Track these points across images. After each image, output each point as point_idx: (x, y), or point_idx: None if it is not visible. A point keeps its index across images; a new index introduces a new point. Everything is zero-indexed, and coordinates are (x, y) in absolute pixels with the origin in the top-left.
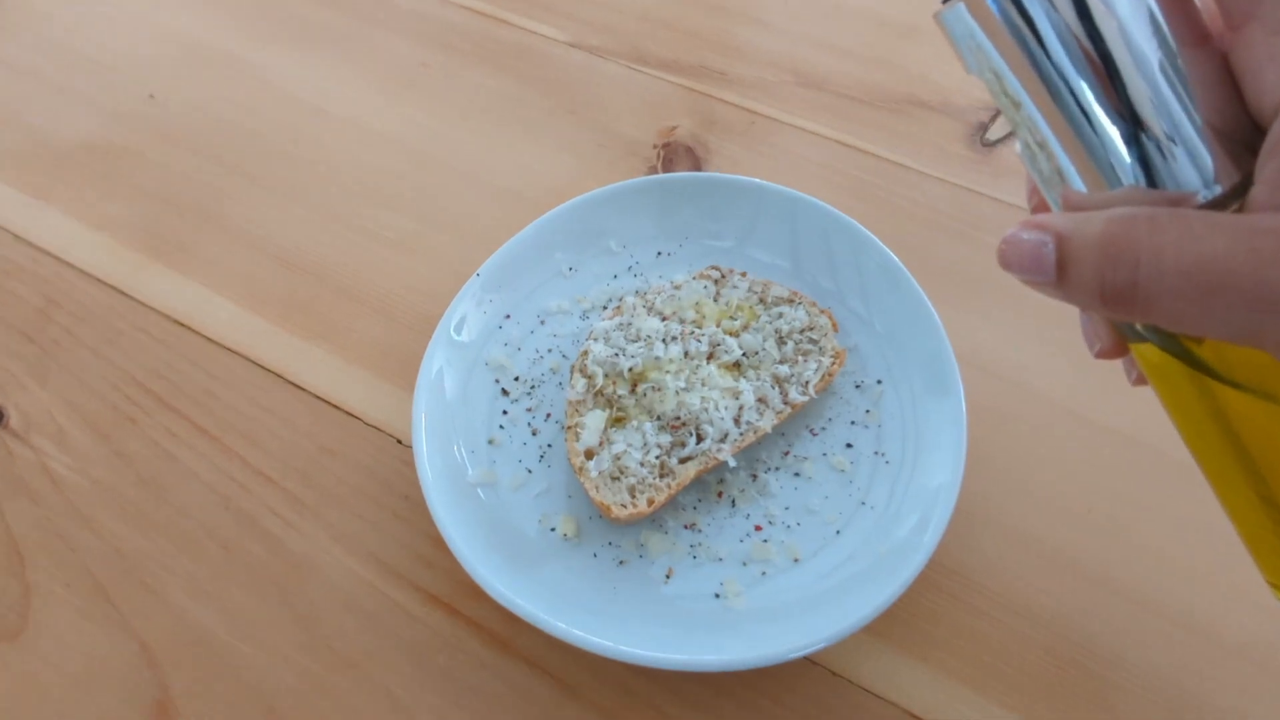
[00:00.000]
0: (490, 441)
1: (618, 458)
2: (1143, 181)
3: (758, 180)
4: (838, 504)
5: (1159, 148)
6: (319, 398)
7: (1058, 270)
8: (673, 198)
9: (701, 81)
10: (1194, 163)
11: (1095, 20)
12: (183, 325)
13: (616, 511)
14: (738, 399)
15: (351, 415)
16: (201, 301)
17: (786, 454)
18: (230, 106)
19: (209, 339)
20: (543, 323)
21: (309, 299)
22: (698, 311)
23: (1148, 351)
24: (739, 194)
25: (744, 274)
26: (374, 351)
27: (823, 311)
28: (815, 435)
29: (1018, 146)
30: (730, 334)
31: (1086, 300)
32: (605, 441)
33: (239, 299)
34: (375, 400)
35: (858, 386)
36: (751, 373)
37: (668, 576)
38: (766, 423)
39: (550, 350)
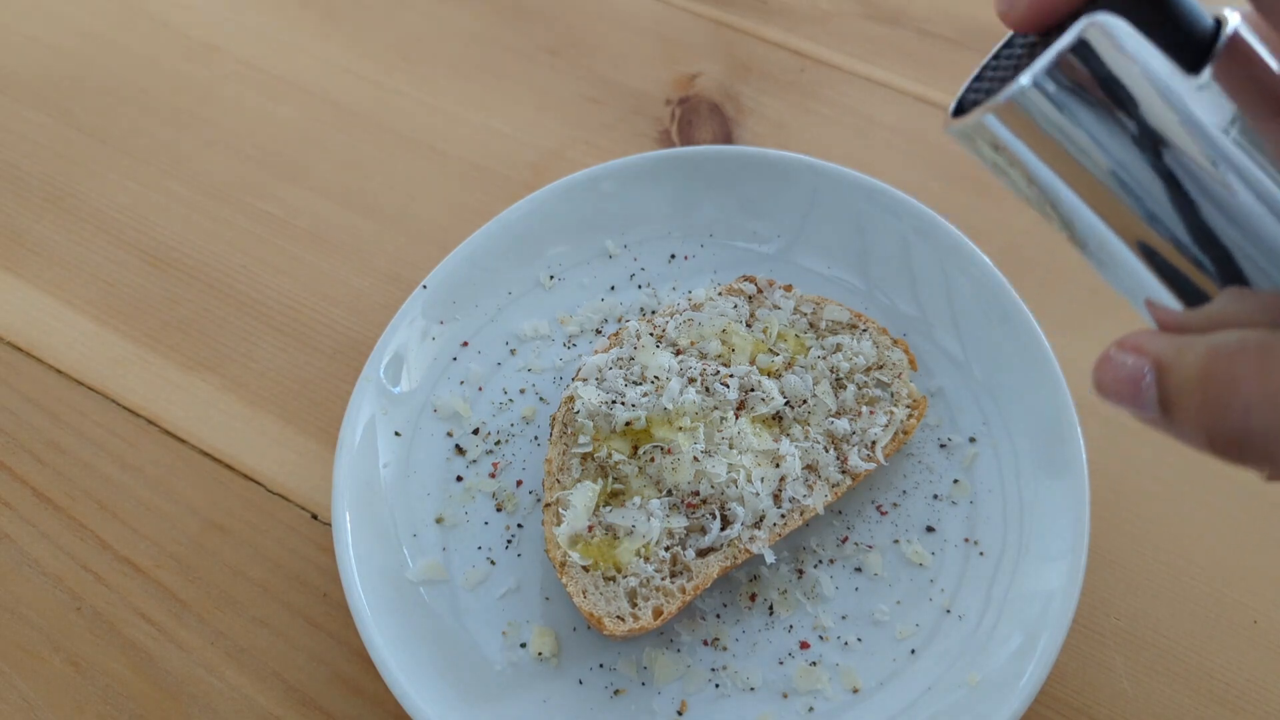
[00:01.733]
0: (439, 520)
1: (613, 548)
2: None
3: (809, 158)
4: (914, 612)
5: (1262, 246)
6: (204, 453)
7: (1161, 408)
8: (693, 181)
9: (733, 10)
10: None
11: (1152, 119)
12: (18, 349)
13: (611, 625)
14: (778, 467)
15: (249, 479)
16: (43, 315)
17: (844, 541)
18: (84, 41)
19: (52, 368)
20: (513, 353)
21: (190, 314)
22: (725, 342)
23: None
24: (784, 177)
25: (789, 288)
26: (280, 389)
27: (896, 343)
28: (884, 515)
29: (1080, 252)
30: (769, 374)
31: (1194, 443)
32: (597, 525)
33: (94, 312)
34: (282, 458)
35: (943, 447)
36: (797, 429)
37: (680, 713)
38: (817, 500)
39: (523, 391)
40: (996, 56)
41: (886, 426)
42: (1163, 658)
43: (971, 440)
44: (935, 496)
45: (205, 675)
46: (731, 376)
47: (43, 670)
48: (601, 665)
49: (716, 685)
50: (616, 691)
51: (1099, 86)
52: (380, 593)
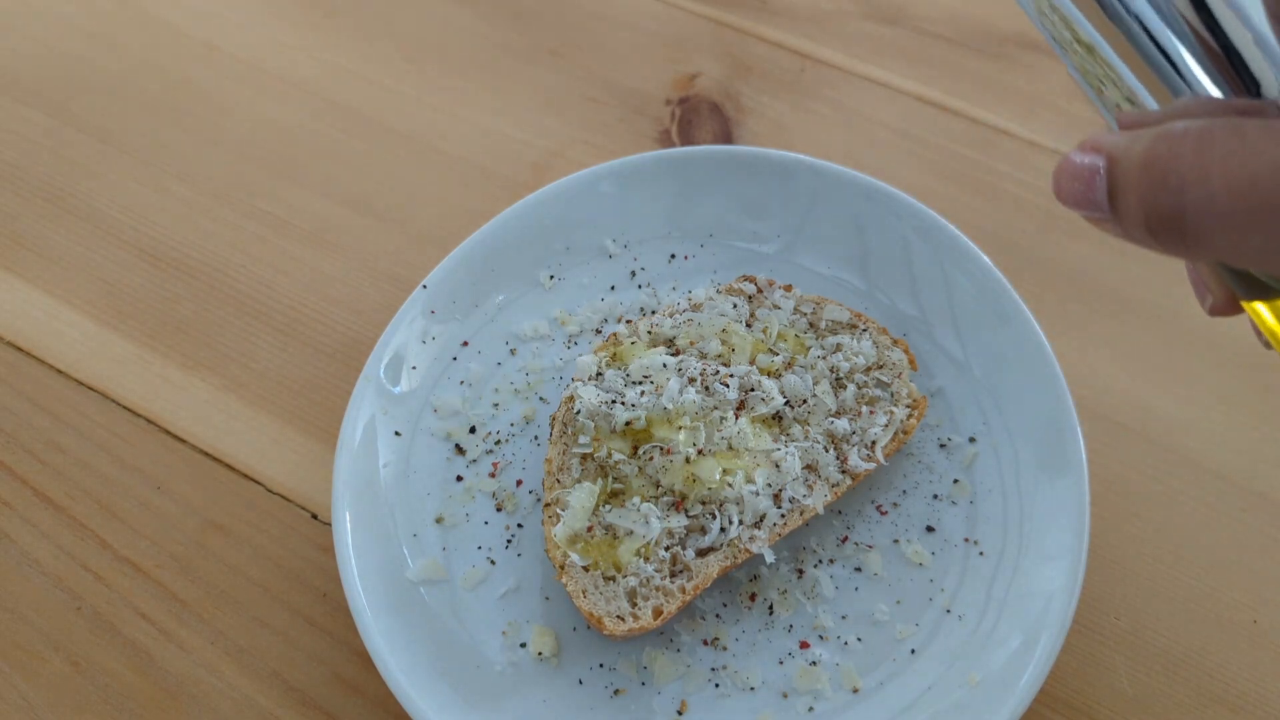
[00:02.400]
0: (439, 520)
1: (613, 548)
2: (1216, 93)
3: (809, 158)
4: (914, 612)
5: (1226, 47)
6: (204, 453)
7: (1109, 199)
8: (693, 181)
9: (734, 10)
10: (1269, 61)
11: None
12: (18, 349)
13: (611, 625)
14: (778, 467)
15: (249, 479)
16: (44, 316)
17: (844, 541)
18: (84, 41)
19: (54, 368)
20: (513, 352)
21: (190, 314)
22: (724, 342)
23: (1271, 310)
24: (784, 177)
25: (789, 288)
26: (280, 389)
27: (896, 343)
28: (884, 515)
29: (1070, 69)
30: (769, 374)
31: (1136, 234)
32: (597, 525)
33: (96, 313)
34: (282, 459)
35: (943, 446)
36: (797, 429)
37: (680, 712)
38: (817, 500)
39: (520, 391)
40: None
41: (886, 426)
42: (1163, 658)
43: (971, 440)
44: (935, 496)
45: (205, 675)
46: (732, 377)
47: (43, 670)
48: (601, 665)
49: (716, 685)
50: (616, 691)
51: None
52: (380, 593)
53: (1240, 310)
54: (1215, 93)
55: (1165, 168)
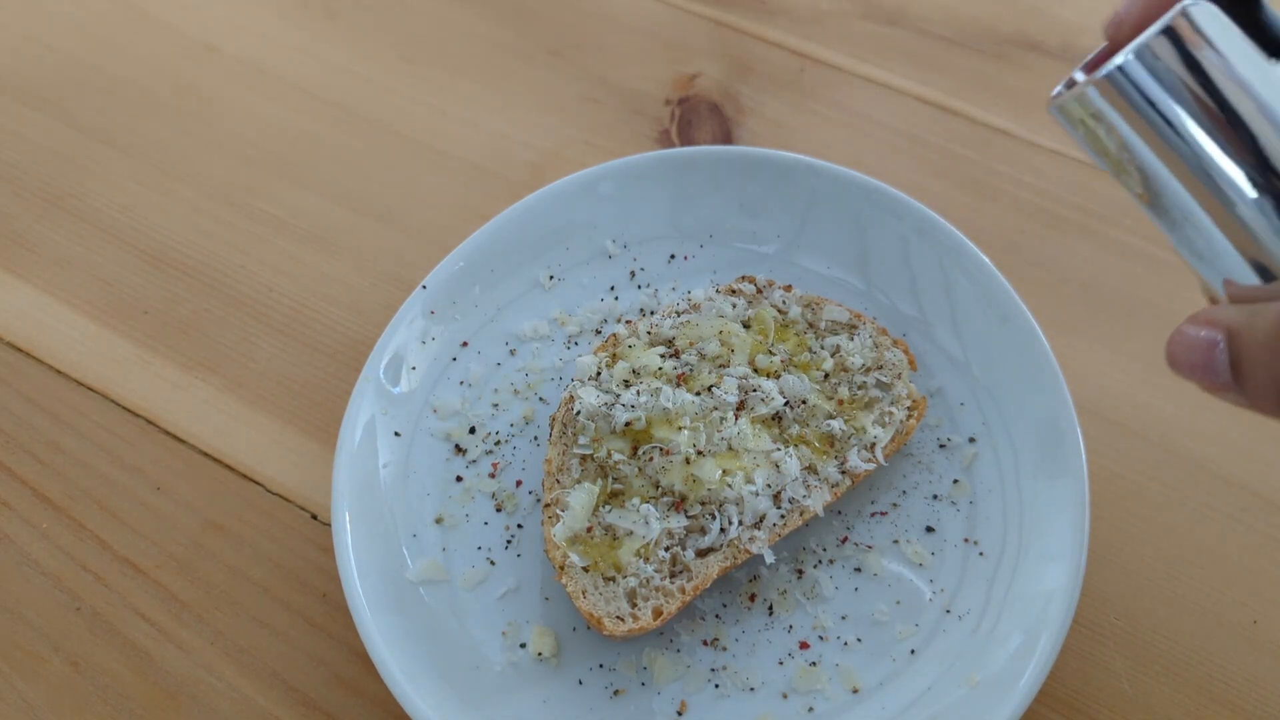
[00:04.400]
0: (439, 520)
1: (613, 548)
2: None
3: (809, 158)
4: (914, 612)
5: None
6: (204, 454)
7: (1233, 372)
8: (693, 181)
9: (733, 10)
10: None
11: (1234, 91)
12: (18, 349)
13: (611, 625)
14: (778, 468)
15: (249, 479)
16: (44, 316)
17: (844, 541)
18: (84, 41)
19: (54, 369)
20: (513, 353)
21: (191, 314)
22: (723, 342)
23: None
24: (784, 177)
25: (788, 288)
26: (280, 389)
27: (895, 343)
28: (884, 515)
29: (1160, 225)
30: (768, 374)
31: (1268, 408)
32: (597, 526)
33: (96, 313)
34: (282, 459)
35: (942, 446)
36: (797, 429)
37: (680, 713)
38: (816, 501)
39: (520, 392)
40: (1096, 60)
41: (886, 426)
42: (1163, 658)
43: (971, 440)
44: (935, 496)
45: (205, 675)
46: (731, 378)
47: (43, 670)
48: (601, 665)
49: (716, 685)
50: (616, 692)
51: (1188, 65)
52: (380, 593)
53: None
54: None
55: None
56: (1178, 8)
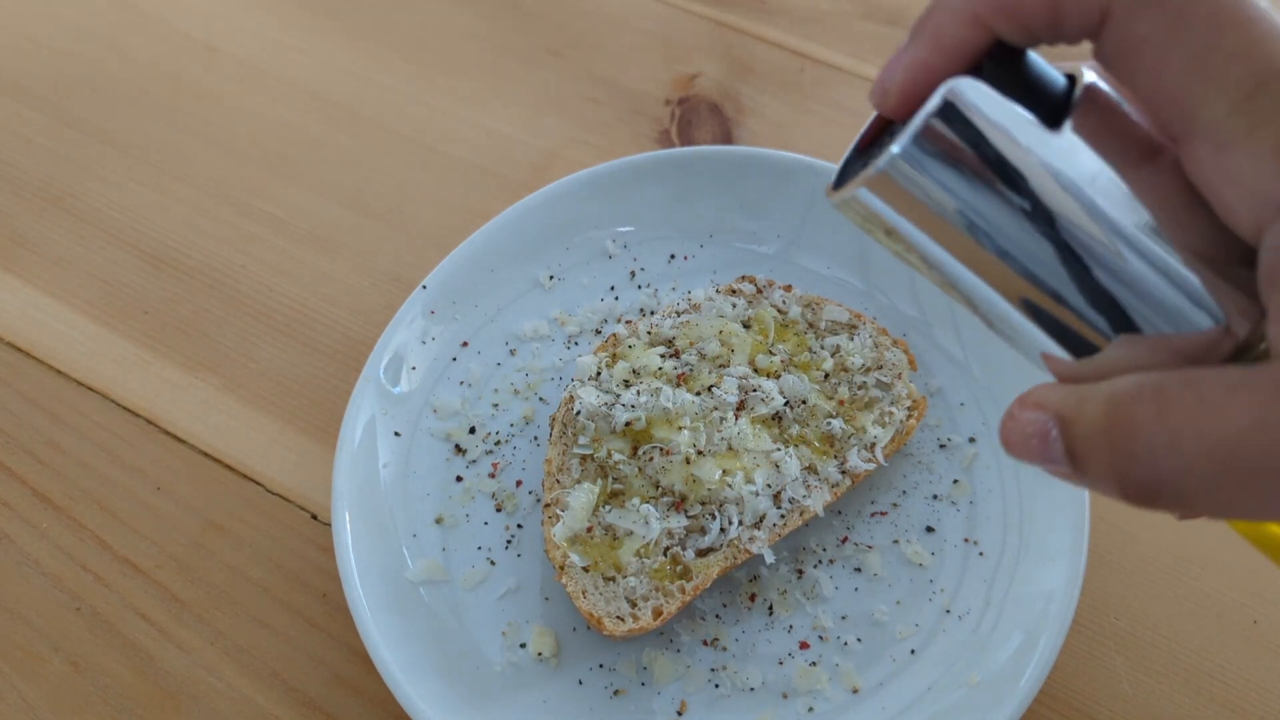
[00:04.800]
0: (439, 520)
1: (613, 548)
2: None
3: (809, 158)
4: (914, 612)
5: (1143, 293)
6: (204, 453)
7: (1069, 461)
8: (693, 181)
9: (733, 10)
10: (1190, 300)
11: (1019, 170)
12: (17, 349)
13: (611, 625)
14: (778, 468)
15: (249, 479)
16: (43, 316)
17: (844, 541)
18: (84, 41)
19: (52, 368)
20: (513, 353)
21: (190, 315)
22: (723, 342)
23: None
24: (784, 177)
25: (788, 288)
26: (280, 389)
27: (896, 343)
28: (884, 516)
29: (969, 310)
30: (768, 374)
31: (1113, 497)
32: (597, 526)
33: (95, 313)
34: (282, 458)
35: (942, 447)
36: (797, 429)
37: (680, 713)
38: (816, 501)
39: (520, 392)
40: (870, 132)
41: (886, 426)
42: (1163, 658)
43: (971, 440)
44: (935, 497)
45: (205, 675)
46: (731, 378)
47: (43, 670)
48: (601, 665)
49: (716, 685)
50: (616, 692)
51: (964, 148)
52: (380, 593)
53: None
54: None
55: (1130, 438)
56: (943, 89)
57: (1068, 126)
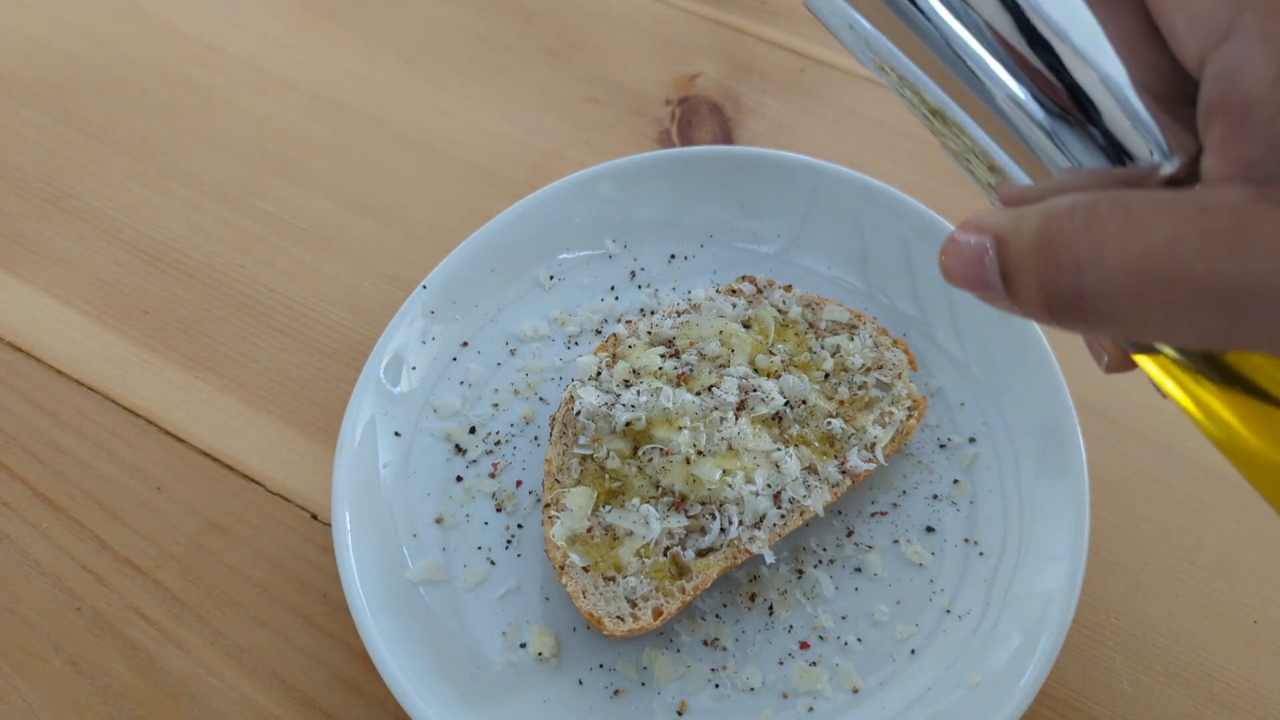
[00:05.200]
0: (439, 520)
1: (613, 548)
2: (1089, 162)
3: (809, 158)
4: (914, 612)
5: (1093, 119)
6: (204, 453)
7: (1004, 281)
8: (693, 181)
9: (733, 10)
10: (1139, 131)
11: None
12: (17, 349)
13: (611, 625)
14: (778, 468)
15: (249, 479)
16: (43, 316)
17: (844, 541)
18: (84, 41)
19: (52, 368)
20: (513, 353)
21: (191, 314)
22: (723, 342)
23: (1157, 364)
24: (784, 177)
25: (788, 288)
26: (280, 389)
27: (896, 343)
28: (884, 515)
29: (943, 151)
30: (768, 374)
31: (1035, 314)
32: (597, 526)
33: (95, 313)
34: (282, 459)
35: (943, 446)
36: (797, 429)
37: (680, 713)
38: (816, 501)
39: (520, 392)
40: None
41: (886, 426)
42: (1163, 658)
43: (971, 440)
44: (935, 497)
45: (205, 675)
46: (731, 377)
47: (43, 670)
48: (601, 665)
49: (716, 685)
50: (616, 692)
51: None
52: (380, 593)
53: (1135, 365)
54: (1091, 162)
55: (1058, 249)
56: None
57: None
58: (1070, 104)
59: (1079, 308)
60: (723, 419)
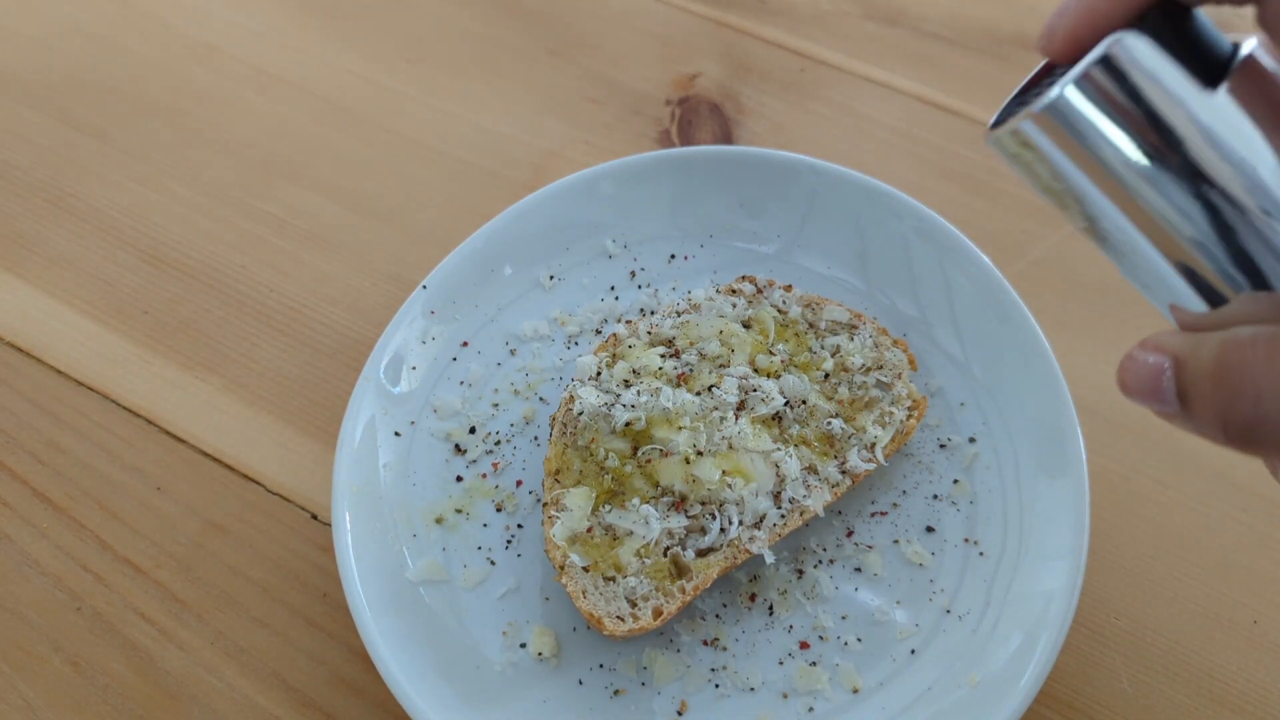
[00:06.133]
0: (439, 520)
1: (612, 548)
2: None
3: (809, 158)
4: (914, 612)
5: (1271, 245)
6: (204, 453)
7: (1179, 401)
8: (693, 181)
9: (733, 10)
10: None
11: (1171, 122)
12: (17, 349)
13: (611, 625)
14: (777, 468)
15: (249, 479)
16: (43, 316)
17: (844, 541)
18: (84, 41)
19: (52, 368)
20: (513, 353)
21: (190, 314)
22: (723, 342)
23: None
24: (784, 177)
25: (788, 288)
26: (280, 389)
27: (896, 343)
28: (884, 516)
29: (1104, 253)
30: (768, 374)
31: (1211, 436)
32: (596, 526)
33: (95, 313)
34: (282, 459)
35: (943, 446)
36: (797, 429)
37: (680, 713)
38: (816, 501)
39: (520, 392)
40: (1035, 79)
41: (886, 427)
42: (1163, 658)
43: (971, 440)
44: (935, 497)
45: (205, 675)
46: (731, 377)
47: (43, 670)
48: (601, 665)
49: (716, 685)
50: (616, 691)
51: (1124, 97)
52: (380, 593)
53: None
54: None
55: (1238, 378)
56: (1111, 39)
57: (1224, 89)
58: (1259, 246)
59: (1257, 435)
60: (723, 419)
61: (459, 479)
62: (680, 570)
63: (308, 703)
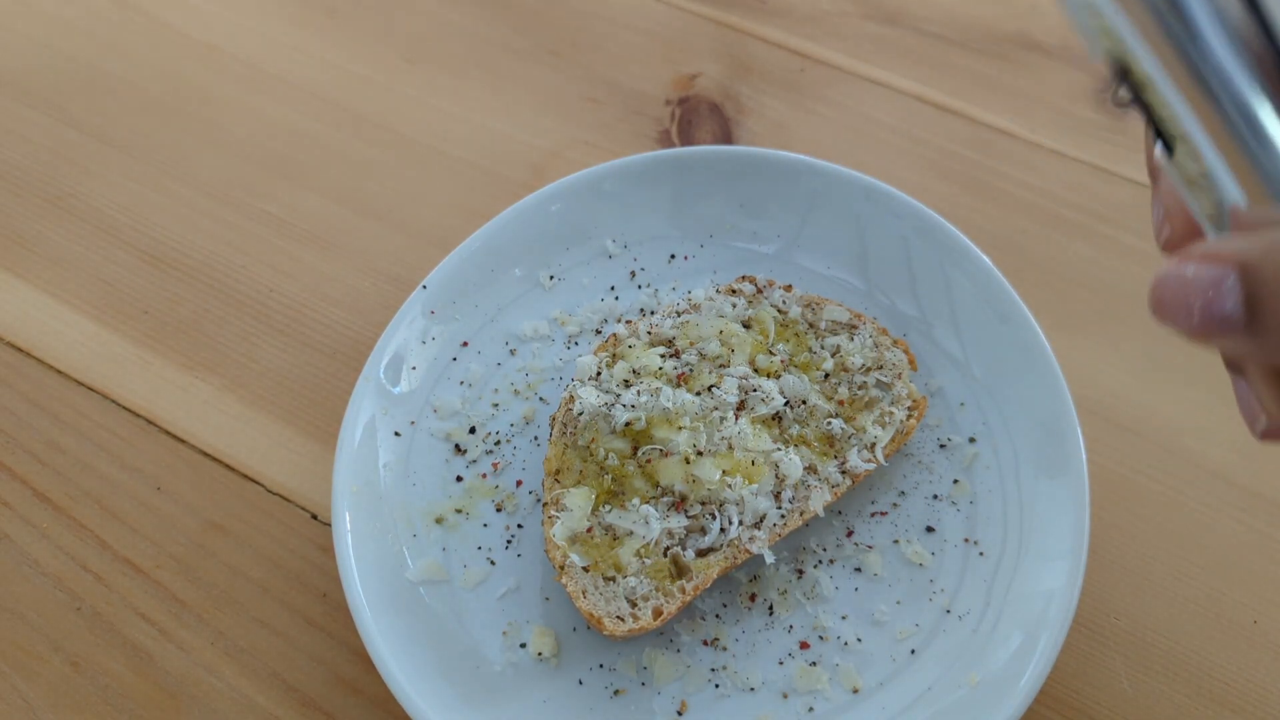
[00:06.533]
0: (439, 520)
1: (612, 548)
2: None
3: (809, 158)
4: (914, 612)
5: None
6: (204, 453)
7: (1247, 312)
8: (693, 181)
9: (734, 10)
10: None
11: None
12: (17, 349)
13: (611, 625)
14: (778, 468)
15: (249, 479)
16: (43, 316)
17: (844, 541)
18: (84, 41)
19: (53, 368)
20: (513, 353)
21: (191, 314)
22: (723, 342)
23: None
24: (784, 177)
25: (788, 288)
26: (280, 389)
27: (896, 343)
28: (884, 515)
29: (1156, 147)
30: (768, 374)
31: None
32: (596, 526)
33: (95, 313)
34: (281, 459)
35: (943, 446)
36: (797, 429)
37: (680, 713)
38: (817, 501)
39: (520, 392)
40: None
41: (886, 427)
42: (1163, 658)
43: (971, 440)
44: (935, 496)
45: (205, 675)
46: (731, 378)
47: (43, 670)
48: (601, 665)
49: (716, 685)
50: (616, 692)
51: None
52: (380, 593)
53: None
54: None
55: None
56: None
57: None
58: None
59: None
60: (723, 419)
61: (459, 479)
62: (680, 570)
63: (308, 703)
